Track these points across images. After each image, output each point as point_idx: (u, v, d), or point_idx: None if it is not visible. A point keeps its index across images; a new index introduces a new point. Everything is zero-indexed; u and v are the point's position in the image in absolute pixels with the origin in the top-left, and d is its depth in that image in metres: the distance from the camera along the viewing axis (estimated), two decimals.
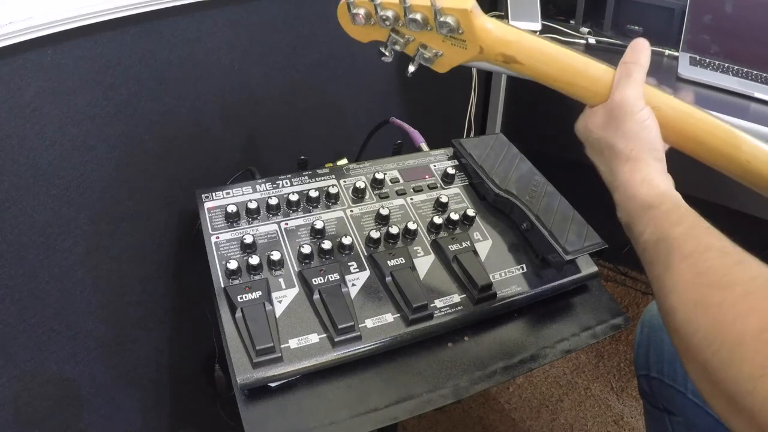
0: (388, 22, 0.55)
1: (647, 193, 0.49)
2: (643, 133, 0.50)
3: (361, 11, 0.55)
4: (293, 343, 0.60)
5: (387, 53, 0.58)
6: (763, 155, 0.50)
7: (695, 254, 0.42)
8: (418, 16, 0.53)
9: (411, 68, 0.59)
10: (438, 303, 0.66)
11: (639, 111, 0.50)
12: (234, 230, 0.70)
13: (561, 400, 1.40)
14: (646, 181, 0.49)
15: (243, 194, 0.75)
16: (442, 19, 0.52)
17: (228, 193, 0.75)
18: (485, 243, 0.74)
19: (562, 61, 0.53)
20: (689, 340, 0.39)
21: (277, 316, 0.62)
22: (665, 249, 0.44)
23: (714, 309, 0.38)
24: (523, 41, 0.54)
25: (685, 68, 1.15)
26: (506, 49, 0.54)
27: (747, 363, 0.35)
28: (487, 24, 0.53)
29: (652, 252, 0.46)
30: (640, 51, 0.52)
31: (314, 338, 0.61)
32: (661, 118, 0.52)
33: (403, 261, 0.68)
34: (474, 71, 1.56)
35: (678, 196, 0.50)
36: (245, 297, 0.62)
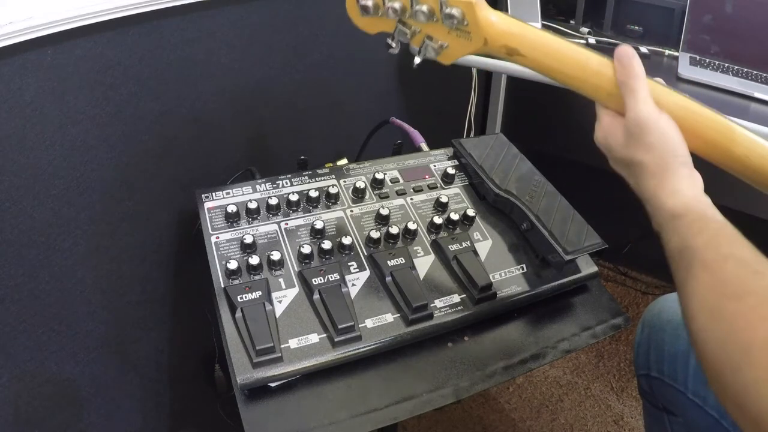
0: (395, 14, 0.56)
1: (674, 204, 0.50)
2: (665, 144, 0.51)
3: (369, 2, 0.56)
4: (293, 343, 0.60)
5: (394, 44, 0.59)
6: (762, 150, 0.51)
7: (715, 264, 0.43)
8: (424, 8, 0.54)
9: (417, 60, 0.60)
10: (438, 303, 0.66)
11: (655, 122, 0.51)
12: (234, 230, 0.70)
13: (561, 400, 1.40)
14: (673, 192, 0.50)
15: (243, 194, 0.75)
16: (447, 11, 0.53)
17: (228, 193, 0.75)
18: (485, 243, 0.74)
19: (565, 54, 0.54)
20: (705, 347, 0.41)
21: (277, 316, 0.62)
22: (688, 258, 0.46)
23: (728, 319, 0.40)
24: (526, 34, 0.54)
25: (685, 68, 1.15)
26: (510, 42, 0.55)
27: (754, 368, 0.36)
28: (491, 16, 0.54)
29: (677, 260, 0.47)
30: (629, 62, 0.52)
31: (314, 338, 0.61)
32: (691, 128, 0.52)
33: (403, 261, 0.68)
34: (474, 71, 1.56)
35: (706, 202, 0.50)
36: (245, 297, 0.62)
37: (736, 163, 0.52)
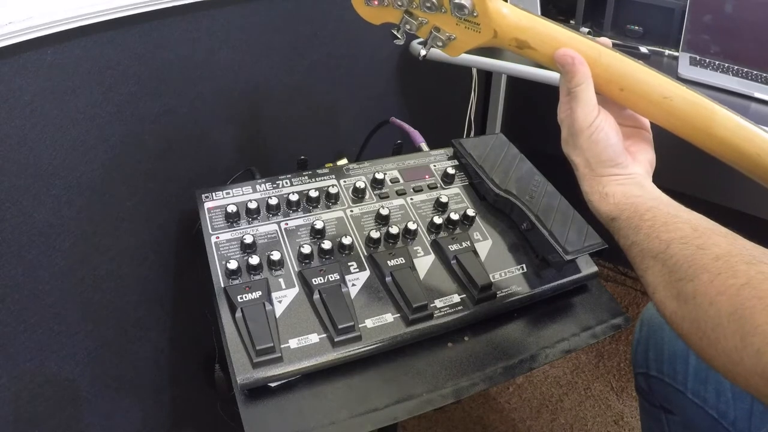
0: (401, 4, 0.55)
1: (607, 209, 0.52)
2: (592, 148, 0.52)
3: None
4: (293, 343, 0.60)
5: (399, 36, 0.58)
6: (745, 133, 0.51)
7: (661, 254, 0.46)
8: None
9: (423, 51, 0.58)
10: (438, 303, 0.66)
11: (588, 127, 0.52)
12: (234, 230, 0.70)
13: (561, 400, 1.40)
14: (602, 196, 0.52)
15: (243, 194, 0.75)
16: (456, 1, 0.52)
17: (228, 193, 0.75)
18: (485, 243, 0.74)
19: (576, 49, 0.53)
20: (680, 327, 0.44)
21: (277, 316, 0.62)
22: (636, 253, 0.48)
23: (691, 301, 0.42)
24: (537, 27, 0.54)
25: (685, 68, 1.15)
26: (520, 34, 0.54)
27: (729, 339, 0.38)
28: (502, 8, 0.53)
29: (629, 256, 0.50)
30: (572, 70, 0.52)
31: (314, 338, 0.61)
32: (674, 110, 0.52)
33: (403, 261, 0.68)
34: (474, 71, 1.56)
35: (636, 195, 0.51)
36: (245, 297, 0.62)
37: (719, 146, 0.52)
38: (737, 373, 0.39)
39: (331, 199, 0.75)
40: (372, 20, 0.59)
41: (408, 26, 0.57)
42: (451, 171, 0.81)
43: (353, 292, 0.66)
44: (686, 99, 0.52)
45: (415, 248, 0.72)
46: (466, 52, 0.58)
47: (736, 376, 0.39)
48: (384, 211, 0.73)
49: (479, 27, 0.54)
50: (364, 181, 0.77)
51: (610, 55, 0.53)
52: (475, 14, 0.53)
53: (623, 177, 0.53)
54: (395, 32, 0.58)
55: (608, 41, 0.54)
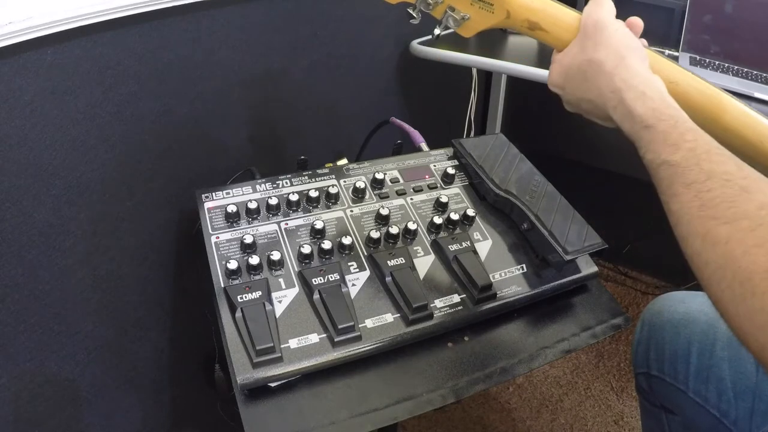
0: None
1: (643, 111, 0.47)
2: (622, 39, 0.50)
3: None
4: (293, 343, 0.60)
5: (415, 15, 0.59)
6: (751, 121, 0.51)
7: (697, 184, 0.41)
8: None
9: (437, 31, 0.59)
10: (438, 303, 0.66)
11: (612, 24, 0.51)
12: (234, 230, 0.70)
13: (561, 400, 1.40)
14: (640, 94, 0.48)
15: (243, 194, 0.75)
16: None
17: (228, 193, 0.75)
18: (485, 243, 0.74)
19: None
20: (702, 271, 0.40)
21: (277, 316, 0.62)
22: (668, 174, 0.44)
23: (722, 245, 0.38)
24: (549, 9, 0.54)
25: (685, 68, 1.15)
26: (532, 16, 0.55)
27: (758, 298, 0.35)
28: None
29: (655, 176, 0.45)
30: None
31: (314, 338, 0.61)
32: (681, 95, 0.52)
33: (403, 261, 0.68)
34: (474, 71, 1.56)
35: (674, 105, 0.48)
36: (245, 297, 0.62)
37: (724, 132, 0.52)
38: (756, 338, 0.35)
39: (331, 199, 0.75)
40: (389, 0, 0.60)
41: (423, 6, 0.57)
42: (451, 171, 0.81)
43: (353, 292, 0.66)
44: (693, 85, 0.52)
45: (415, 248, 0.72)
46: (477, 34, 0.58)
47: (754, 341, 0.35)
48: (384, 211, 0.73)
49: (493, 7, 0.55)
50: (364, 181, 0.77)
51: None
52: None
53: (655, 79, 0.49)
54: (411, 11, 0.59)
55: (639, 22, 0.54)
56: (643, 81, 0.49)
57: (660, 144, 0.45)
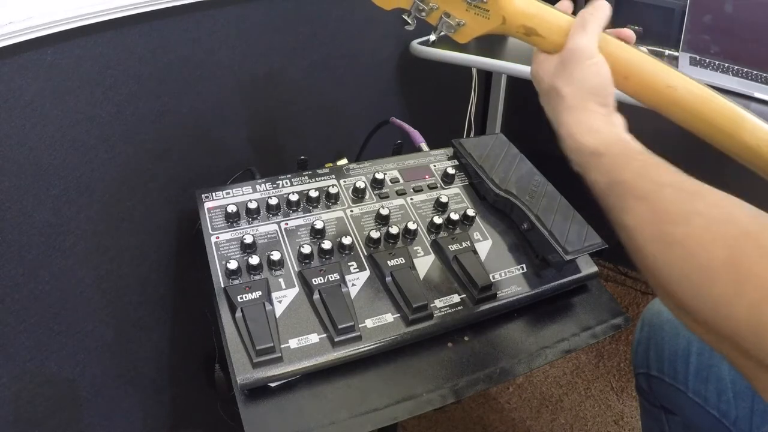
0: None
1: (594, 142, 0.49)
2: (591, 80, 0.51)
3: None
4: (293, 343, 0.60)
5: (410, 21, 0.59)
6: None
7: (650, 194, 0.42)
8: None
9: (433, 37, 0.59)
10: (438, 303, 0.66)
11: (589, 58, 0.51)
12: (234, 230, 0.70)
13: (561, 400, 1.40)
14: (591, 131, 0.49)
15: (243, 194, 0.75)
16: None
17: (228, 193, 0.75)
18: (485, 243, 0.74)
19: None
20: (660, 275, 0.40)
21: (277, 316, 0.62)
22: (619, 193, 0.45)
23: (678, 244, 0.39)
24: (545, 14, 0.54)
25: (685, 68, 1.15)
26: (528, 21, 0.54)
27: (720, 287, 0.35)
28: None
29: (607, 198, 0.46)
30: (598, 6, 0.53)
31: (314, 338, 0.61)
32: (678, 99, 0.52)
33: (403, 261, 0.68)
34: (474, 71, 1.56)
35: (626, 138, 0.49)
36: (245, 297, 0.62)
37: (721, 136, 0.52)
38: (722, 326, 0.35)
39: (331, 199, 0.75)
40: (383, 5, 0.60)
41: (419, 12, 0.57)
42: (451, 171, 0.81)
43: (353, 292, 0.66)
44: (689, 89, 0.52)
45: (415, 248, 0.72)
46: (474, 38, 0.58)
47: (720, 329, 0.35)
48: (384, 211, 0.73)
49: (488, 13, 0.55)
50: (364, 181, 0.77)
51: (615, 44, 0.53)
52: (484, 0, 0.54)
53: (611, 117, 0.51)
54: (406, 17, 0.59)
55: (631, 33, 0.54)
56: (596, 118, 0.50)
57: (611, 165, 0.47)
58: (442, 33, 0.58)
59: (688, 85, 0.52)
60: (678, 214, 0.40)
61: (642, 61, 0.53)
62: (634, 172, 0.45)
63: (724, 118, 0.51)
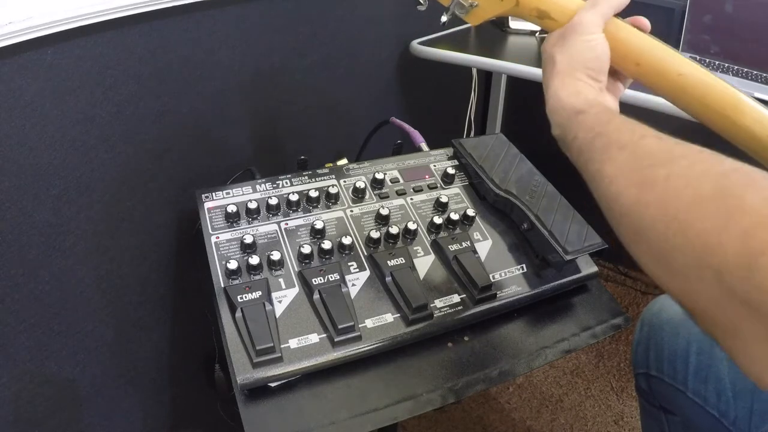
0: None
1: (576, 102, 0.50)
2: (584, 53, 0.51)
3: None
4: (293, 343, 0.60)
5: (422, 1, 0.58)
6: None
7: (632, 143, 0.42)
8: None
9: (444, 18, 0.59)
10: (438, 303, 0.66)
11: (590, 34, 0.51)
12: (234, 230, 0.70)
13: (561, 400, 1.40)
14: (576, 93, 0.50)
15: (243, 194, 0.75)
16: None
17: (228, 193, 0.75)
18: (485, 243, 0.74)
19: None
20: (640, 220, 0.38)
21: (277, 316, 0.62)
22: (601, 144, 0.45)
23: (661, 183, 0.38)
24: None
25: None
26: (542, 5, 0.54)
27: (708, 219, 0.33)
28: None
29: (587, 151, 0.46)
30: None
31: (314, 338, 0.61)
32: (688, 87, 0.52)
33: (403, 261, 0.68)
34: (474, 71, 1.56)
35: (610, 106, 0.50)
36: (245, 297, 0.62)
37: (732, 126, 0.51)
38: (709, 264, 0.33)
39: (331, 199, 0.75)
40: None
41: None
42: (451, 171, 0.81)
43: (353, 292, 0.66)
44: (700, 78, 0.52)
45: (415, 248, 0.72)
46: (485, 21, 0.58)
47: (706, 268, 0.33)
48: (384, 211, 0.73)
49: None
50: (364, 181, 0.77)
51: (628, 30, 0.53)
52: None
53: (597, 89, 0.51)
54: None
55: (646, 21, 0.54)
56: (583, 85, 0.51)
57: (593, 122, 0.47)
58: (455, 14, 0.57)
59: (699, 74, 0.52)
60: (661, 158, 0.39)
61: (653, 48, 0.53)
62: (617, 126, 0.45)
63: (731, 107, 0.51)
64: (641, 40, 0.53)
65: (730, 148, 0.53)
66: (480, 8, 0.56)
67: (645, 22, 0.54)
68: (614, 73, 0.55)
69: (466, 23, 0.60)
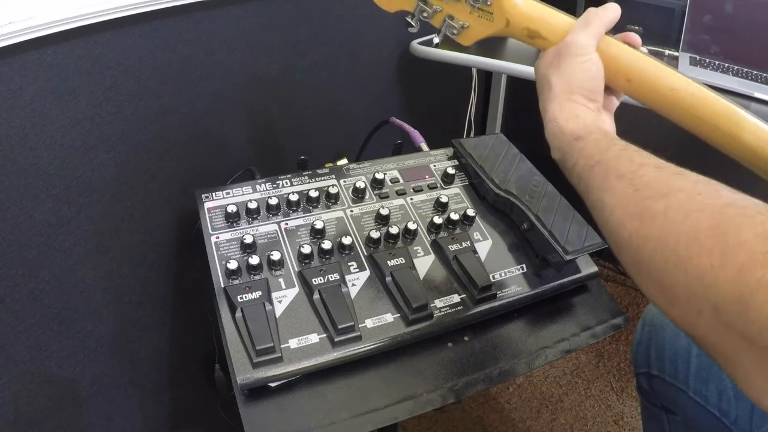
0: None
1: (575, 127, 0.50)
2: (580, 74, 0.52)
3: None
4: (293, 343, 0.60)
5: (413, 23, 0.59)
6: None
7: (630, 173, 0.42)
8: None
9: (436, 39, 0.59)
10: (438, 303, 0.66)
11: (583, 54, 0.52)
12: (234, 230, 0.70)
13: (561, 400, 1.40)
14: (573, 117, 0.51)
15: (243, 194, 0.75)
16: None
17: (228, 193, 0.75)
18: (485, 243, 0.74)
19: None
20: (640, 252, 0.39)
21: (277, 316, 0.62)
22: (600, 173, 0.45)
23: (660, 216, 0.38)
24: (549, 17, 0.54)
25: (685, 68, 1.15)
26: (532, 24, 0.54)
27: (705, 256, 0.34)
28: None
29: (587, 179, 0.47)
30: (607, 8, 0.53)
31: (314, 338, 0.61)
32: (680, 101, 0.52)
33: (403, 261, 0.68)
34: (474, 71, 1.56)
35: (608, 126, 0.51)
36: (245, 297, 0.62)
37: (724, 138, 0.52)
38: (707, 298, 0.34)
39: (331, 199, 0.75)
40: (387, 7, 0.60)
41: (422, 14, 0.57)
42: (451, 171, 0.81)
43: (353, 292, 0.66)
44: (691, 92, 0.52)
45: (415, 248, 0.72)
46: (476, 42, 0.58)
47: (704, 302, 0.34)
48: (384, 211, 0.73)
49: (492, 16, 0.55)
50: (364, 181, 0.77)
51: (619, 47, 0.53)
52: (488, 3, 0.54)
53: (594, 111, 0.52)
54: (409, 20, 0.59)
55: (637, 38, 0.54)
56: (579, 107, 0.51)
57: (592, 149, 0.47)
58: (446, 35, 0.58)
59: (690, 88, 0.52)
60: (660, 189, 0.40)
61: (645, 64, 0.53)
62: (616, 154, 0.45)
63: (725, 120, 0.51)
64: (632, 57, 0.53)
65: (727, 158, 0.53)
66: (471, 29, 0.57)
67: (636, 38, 0.55)
68: (607, 88, 0.55)
69: (459, 44, 0.60)
